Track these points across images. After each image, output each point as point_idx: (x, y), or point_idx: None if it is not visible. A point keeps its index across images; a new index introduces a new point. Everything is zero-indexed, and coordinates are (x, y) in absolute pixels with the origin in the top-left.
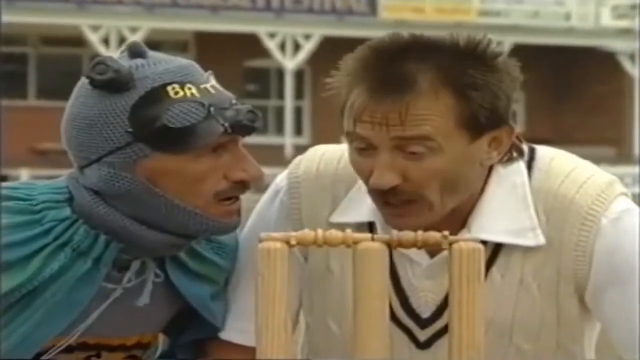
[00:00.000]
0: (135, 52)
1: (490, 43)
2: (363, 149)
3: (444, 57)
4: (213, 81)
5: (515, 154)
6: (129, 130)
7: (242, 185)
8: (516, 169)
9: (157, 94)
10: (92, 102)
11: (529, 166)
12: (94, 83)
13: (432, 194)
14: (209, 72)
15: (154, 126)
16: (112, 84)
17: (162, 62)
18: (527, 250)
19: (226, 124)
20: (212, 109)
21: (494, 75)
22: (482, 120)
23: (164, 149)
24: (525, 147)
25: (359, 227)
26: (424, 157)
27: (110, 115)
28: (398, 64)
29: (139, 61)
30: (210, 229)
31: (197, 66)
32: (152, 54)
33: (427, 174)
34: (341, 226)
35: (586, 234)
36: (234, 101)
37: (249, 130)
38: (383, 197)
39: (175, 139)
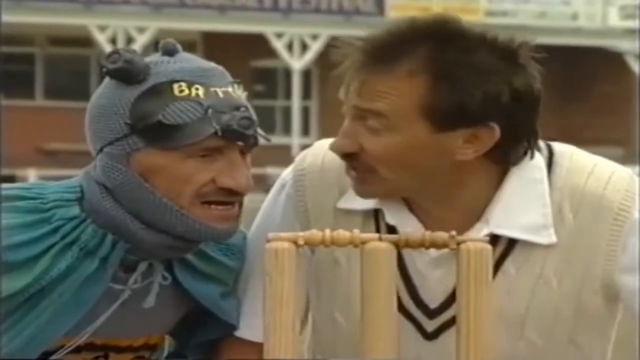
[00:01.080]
0: (166, 50)
1: (518, 43)
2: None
3: (446, 45)
4: (232, 88)
5: (521, 153)
6: (128, 122)
7: (228, 193)
8: (536, 165)
9: (161, 90)
10: (106, 91)
11: (549, 162)
12: (107, 72)
13: (384, 170)
14: (236, 80)
15: (150, 120)
16: (122, 73)
17: (183, 62)
18: (549, 246)
19: (218, 127)
20: (210, 110)
21: (476, 74)
22: (446, 115)
23: (155, 144)
24: (542, 144)
25: (365, 213)
26: (379, 133)
27: (115, 106)
28: (396, 41)
29: (161, 58)
30: (198, 233)
31: (222, 71)
32: (182, 54)
33: (381, 150)
34: (348, 212)
35: (619, 229)
36: (242, 108)
37: (240, 136)
38: (348, 161)
39: (165, 135)
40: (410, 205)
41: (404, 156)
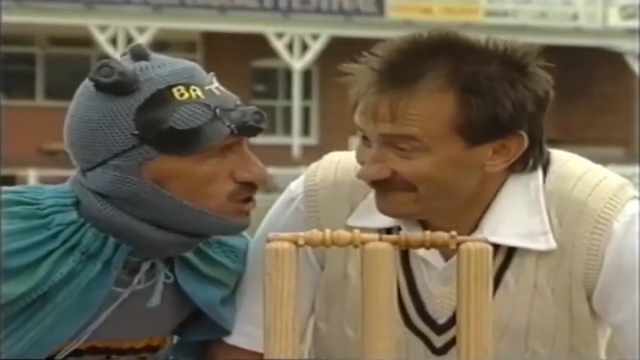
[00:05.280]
0: (138, 54)
1: (524, 50)
2: (365, 137)
3: (462, 59)
4: (217, 83)
5: (531, 163)
6: (135, 132)
7: (249, 186)
8: (533, 172)
9: (163, 96)
10: (97, 104)
11: (545, 170)
12: (99, 86)
13: (423, 188)
14: (212, 73)
15: (161, 128)
16: (117, 86)
17: (166, 64)
18: (540, 254)
19: (232, 126)
20: (217, 110)
21: (503, 84)
22: (480, 129)
23: (170, 151)
24: (544, 153)
25: (377, 232)
26: (412, 155)
27: (116, 118)
28: (412, 60)
29: (142, 63)
30: (221, 229)
31: (200, 68)
32: (155, 56)
33: (415, 172)
34: (360, 230)
35: (598, 237)
36: (238, 102)
37: (255, 131)
38: (380, 187)
39: (181, 141)
40: (424, 224)
41: (441, 176)
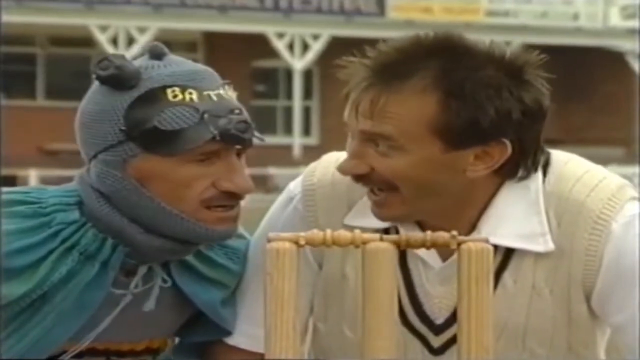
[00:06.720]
0: (154, 53)
1: (525, 59)
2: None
3: (456, 62)
4: (223, 90)
5: (521, 172)
6: (122, 128)
7: (230, 196)
8: (530, 176)
9: (155, 95)
10: (97, 98)
11: (545, 171)
12: (97, 78)
13: (403, 187)
14: (226, 82)
15: (145, 127)
16: (114, 79)
17: (173, 65)
18: (538, 255)
19: (216, 132)
20: (205, 115)
21: (488, 90)
22: (459, 133)
23: (152, 150)
24: (541, 156)
25: (375, 232)
26: (389, 153)
27: (108, 112)
28: (404, 60)
29: (150, 62)
30: (201, 236)
31: (212, 73)
32: (170, 57)
33: (392, 170)
34: (358, 229)
35: (597, 238)
36: (237, 111)
37: (238, 140)
38: (361, 183)
39: (163, 141)
40: (421, 225)
41: (415, 175)
